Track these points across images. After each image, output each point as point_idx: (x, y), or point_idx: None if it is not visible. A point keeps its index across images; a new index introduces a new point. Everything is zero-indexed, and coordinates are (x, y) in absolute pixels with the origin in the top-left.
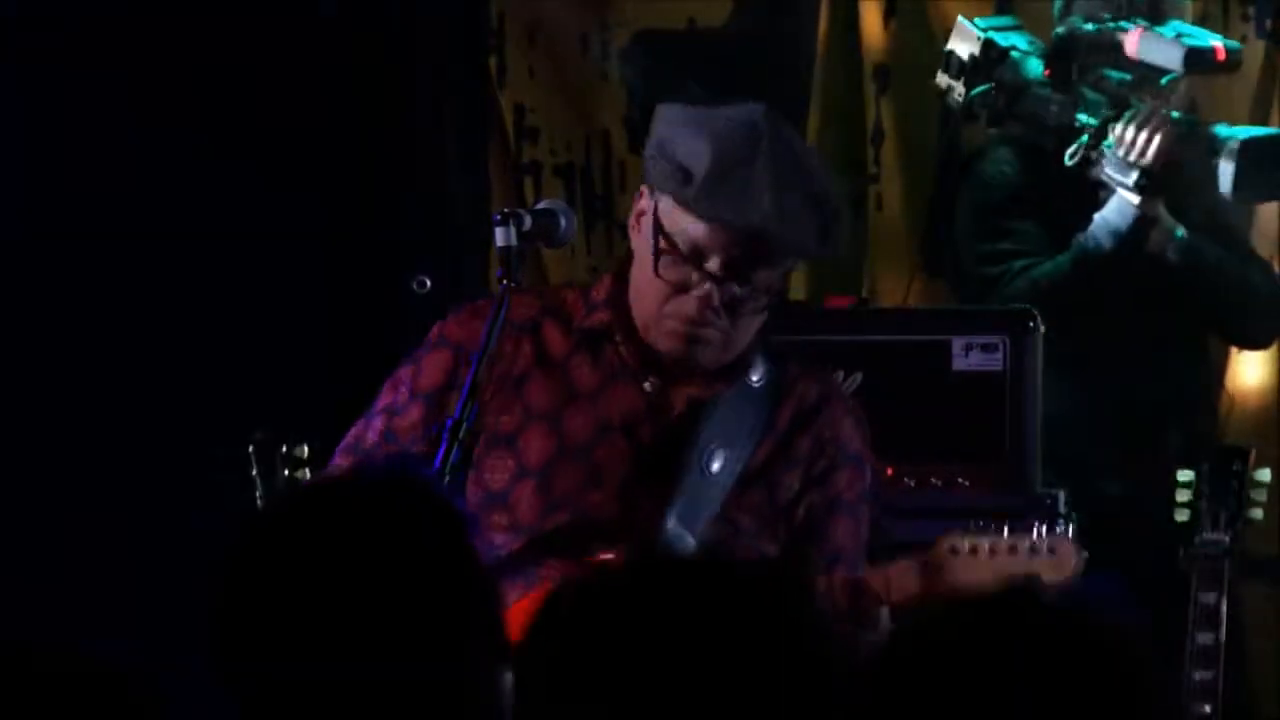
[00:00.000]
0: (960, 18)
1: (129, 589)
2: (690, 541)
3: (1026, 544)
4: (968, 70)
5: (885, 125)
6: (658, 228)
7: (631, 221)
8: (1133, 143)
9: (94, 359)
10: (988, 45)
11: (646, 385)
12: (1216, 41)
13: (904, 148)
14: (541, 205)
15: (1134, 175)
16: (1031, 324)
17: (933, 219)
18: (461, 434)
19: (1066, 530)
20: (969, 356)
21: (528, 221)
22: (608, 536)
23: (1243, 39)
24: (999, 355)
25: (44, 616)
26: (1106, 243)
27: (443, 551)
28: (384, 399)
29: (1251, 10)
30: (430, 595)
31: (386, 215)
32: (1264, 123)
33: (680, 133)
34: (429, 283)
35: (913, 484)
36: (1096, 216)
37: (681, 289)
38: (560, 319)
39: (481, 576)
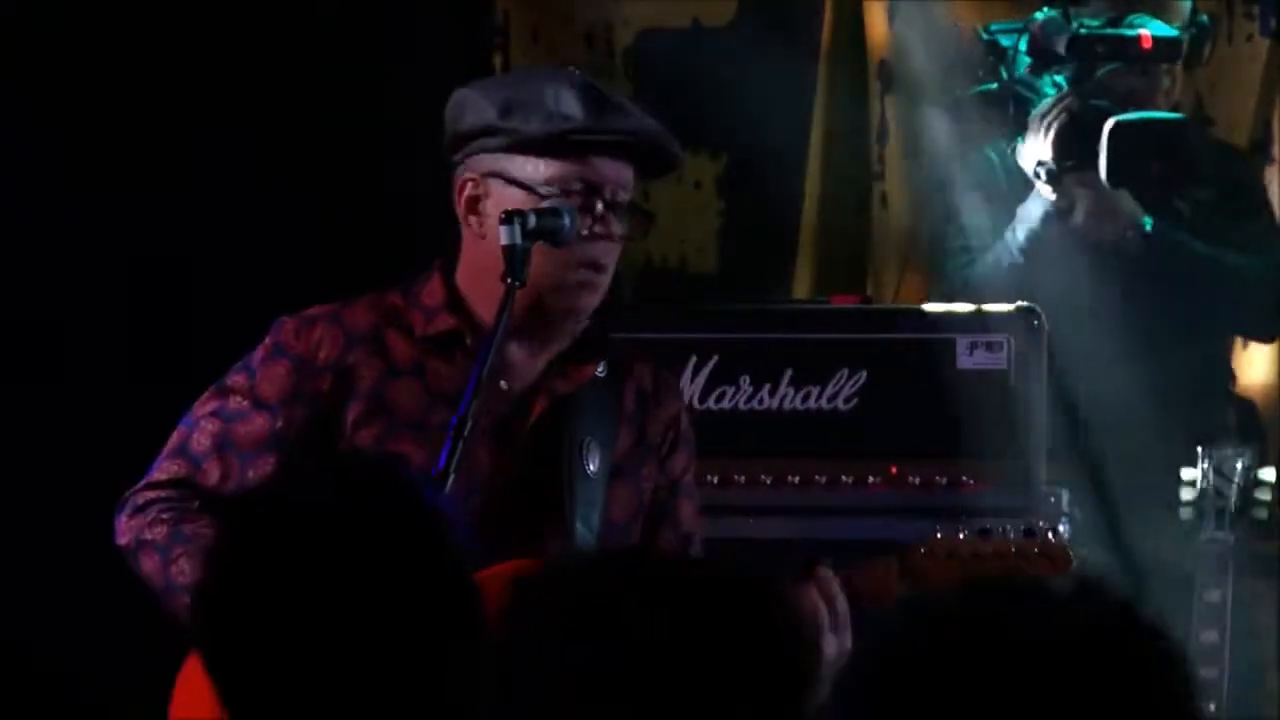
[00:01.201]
0: (977, 26)
1: (124, 588)
2: (594, 545)
3: (1013, 549)
4: (978, 73)
5: (890, 123)
6: (534, 188)
7: (463, 213)
8: (1034, 133)
9: (94, 361)
10: (989, 47)
11: (502, 384)
12: (1145, 30)
13: (908, 146)
14: (545, 204)
15: (1034, 165)
16: (1036, 323)
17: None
18: (466, 432)
19: (1055, 531)
20: (973, 355)
21: (532, 220)
22: (498, 546)
23: (1248, 38)
24: (1003, 354)
25: (39, 615)
26: (1019, 234)
27: (424, 551)
28: (210, 404)
29: (1256, 9)
30: (412, 595)
31: (388, 215)
32: (1267, 122)
33: (528, 93)
34: None
35: (916, 482)
36: (1018, 209)
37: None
38: (399, 327)
39: (463, 575)
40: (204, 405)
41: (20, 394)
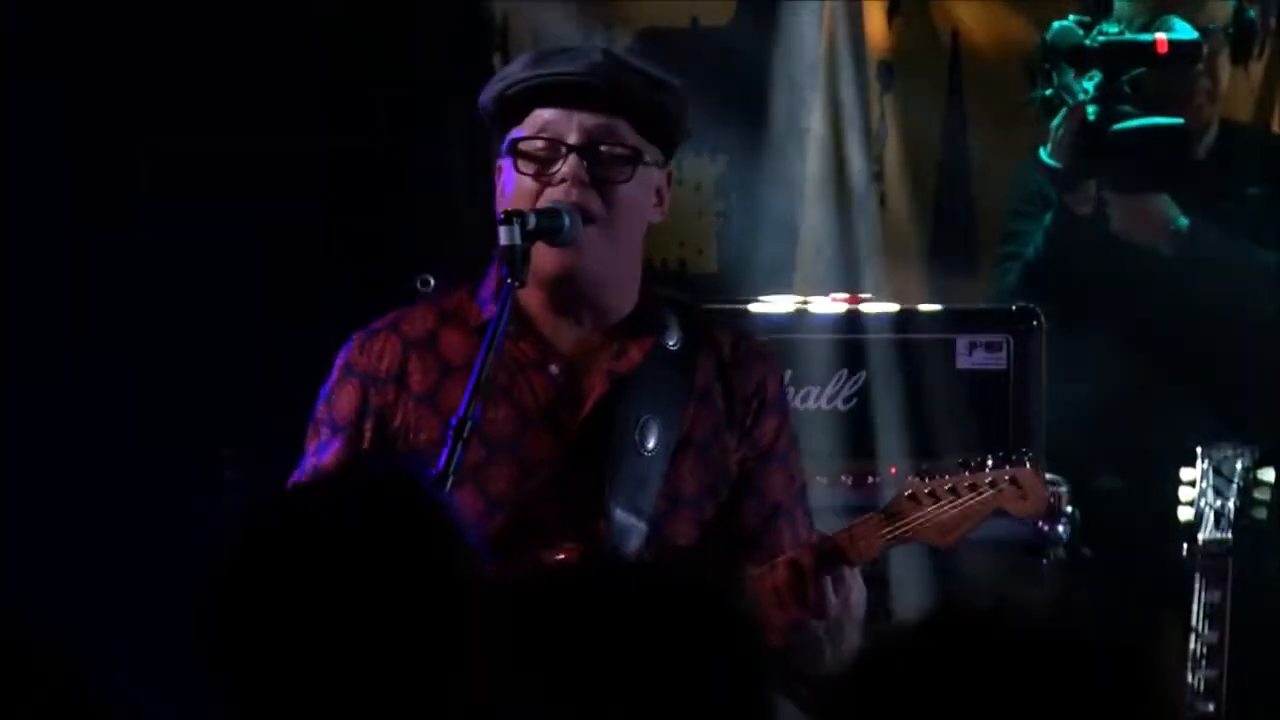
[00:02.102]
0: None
1: (130, 587)
2: (641, 526)
3: (987, 479)
4: (1034, 79)
5: (889, 123)
6: (508, 155)
7: (498, 196)
8: (1050, 138)
9: (105, 356)
10: (1045, 53)
11: (553, 369)
12: (1160, 35)
13: (907, 145)
14: (546, 204)
15: (1049, 172)
16: (1035, 322)
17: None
18: (466, 433)
19: (1024, 460)
20: (972, 355)
21: (531, 221)
22: (549, 532)
23: None
24: (1003, 354)
25: (43, 614)
26: (1039, 241)
27: (432, 552)
28: (310, 442)
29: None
30: (419, 598)
31: (390, 215)
32: (1267, 121)
33: (501, 73)
34: (432, 281)
35: None
36: (1045, 215)
37: (546, 180)
38: (458, 322)
39: (471, 577)
40: (308, 445)
41: (25, 391)
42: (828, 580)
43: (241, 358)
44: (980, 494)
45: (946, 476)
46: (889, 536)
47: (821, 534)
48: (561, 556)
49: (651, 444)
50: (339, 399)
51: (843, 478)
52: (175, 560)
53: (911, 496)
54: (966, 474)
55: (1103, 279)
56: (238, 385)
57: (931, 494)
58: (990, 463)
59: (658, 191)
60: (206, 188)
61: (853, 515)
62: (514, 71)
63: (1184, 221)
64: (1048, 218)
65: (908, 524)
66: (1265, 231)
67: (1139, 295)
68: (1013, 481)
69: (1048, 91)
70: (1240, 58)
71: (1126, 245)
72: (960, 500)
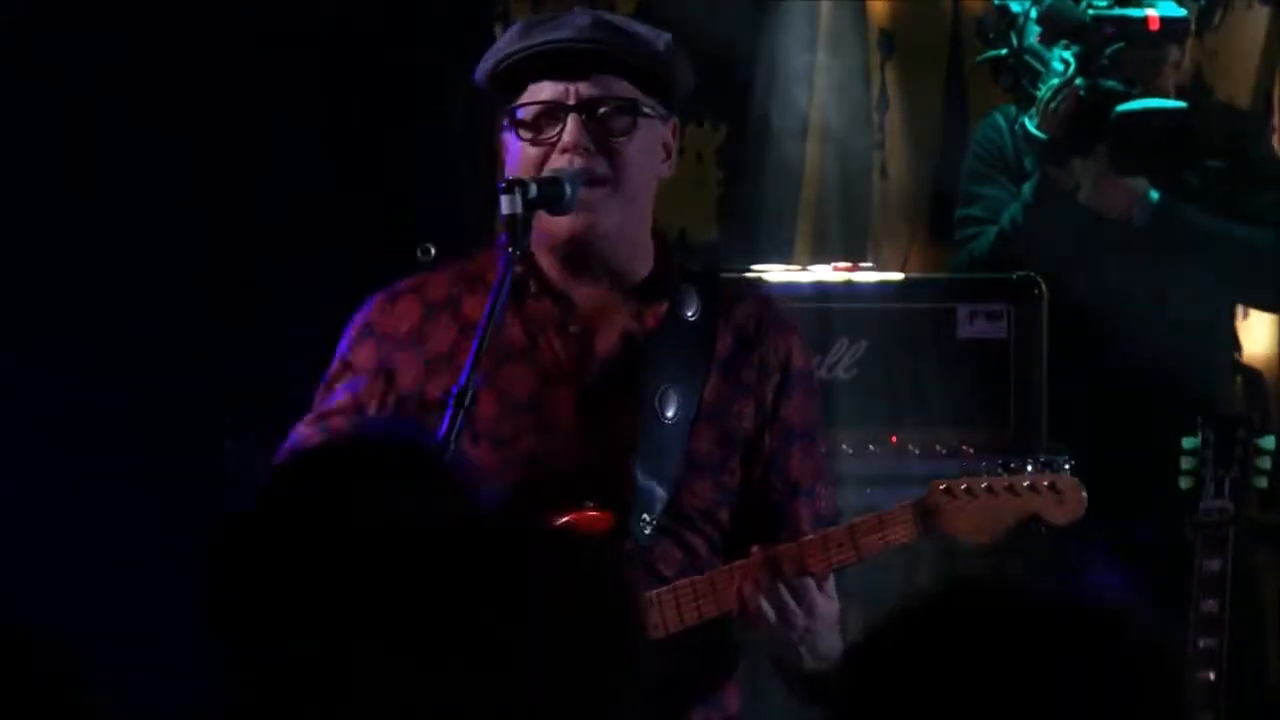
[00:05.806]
0: None
1: (130, 567)
2: (662, 491)
3: (1026, 483)
4: (988, 37)
5: (890, 92)
6: (510, 127)
7: (505, 168)
8: (1039, 111)
9: (107, 345)
10: (1001, 11)
11: (573, 329)
12: (1152, 11)
13: (908, 114)
14: (547, 173)
15: (1039, 148)
16: (1036, 291)
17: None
18: (466, 401)
19: (1064, 467)
20: (974, 324)
21: (533, 190)
22: (570, 491)
23: (1248, 6)
24: (1004, 323)
25: (43, 601)
26: (1017, 212)
27: (454, 516)
28: (317, 407)
29: None
30: (439, 563)
31: (391, 186)
32: (1268, 91)
33: (491, 48)
34: (434, 250)
35: (917, 451)
36: (1023, 187)
37: (549, 148)
38: (478, 283)
39: (494, 540)
40: (313, 410)
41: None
42: (784, 594)
43: (241, 330)
44: (1018, 496)
45: (984, 476)
46: (920, 533)
47: (852, 523)
48: (566, 519)
49: (671, 413)
50: (357, 358)
51: (843, 446)
52: (176, 535)
53: (947, 490)
54: (1004, 475)
55: (1077, 250)
56: (238, 358)
57: (968, 490)
58: (1029, 467)
59: (664, 146)
60: (203, 161)
61: (850, 486)
62: (502, 45)
63: (1155, 195)
64: (1026, 189)
65: (940, 521)
66: (1227, 204)
67: (1113, 267)
68: (1052, 488)
69: (1003, 51)
70: (1203, 26)
71: (1098, 217)
72: (998, 500)
